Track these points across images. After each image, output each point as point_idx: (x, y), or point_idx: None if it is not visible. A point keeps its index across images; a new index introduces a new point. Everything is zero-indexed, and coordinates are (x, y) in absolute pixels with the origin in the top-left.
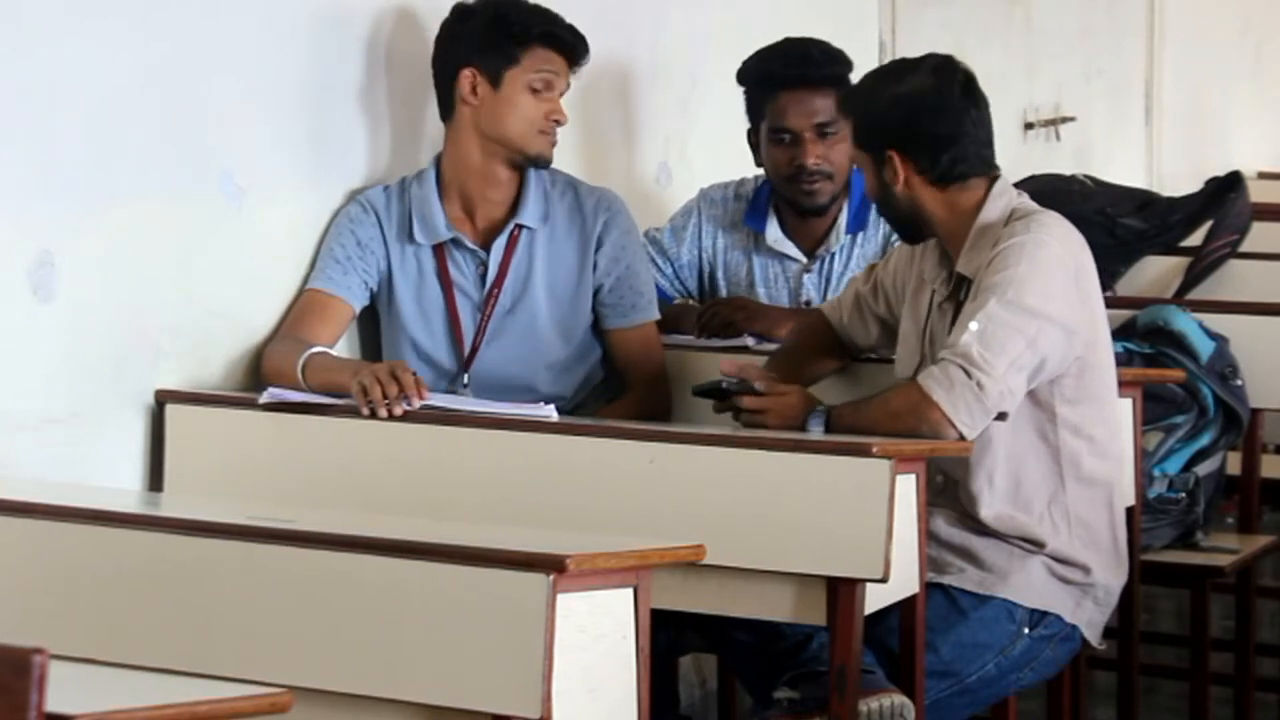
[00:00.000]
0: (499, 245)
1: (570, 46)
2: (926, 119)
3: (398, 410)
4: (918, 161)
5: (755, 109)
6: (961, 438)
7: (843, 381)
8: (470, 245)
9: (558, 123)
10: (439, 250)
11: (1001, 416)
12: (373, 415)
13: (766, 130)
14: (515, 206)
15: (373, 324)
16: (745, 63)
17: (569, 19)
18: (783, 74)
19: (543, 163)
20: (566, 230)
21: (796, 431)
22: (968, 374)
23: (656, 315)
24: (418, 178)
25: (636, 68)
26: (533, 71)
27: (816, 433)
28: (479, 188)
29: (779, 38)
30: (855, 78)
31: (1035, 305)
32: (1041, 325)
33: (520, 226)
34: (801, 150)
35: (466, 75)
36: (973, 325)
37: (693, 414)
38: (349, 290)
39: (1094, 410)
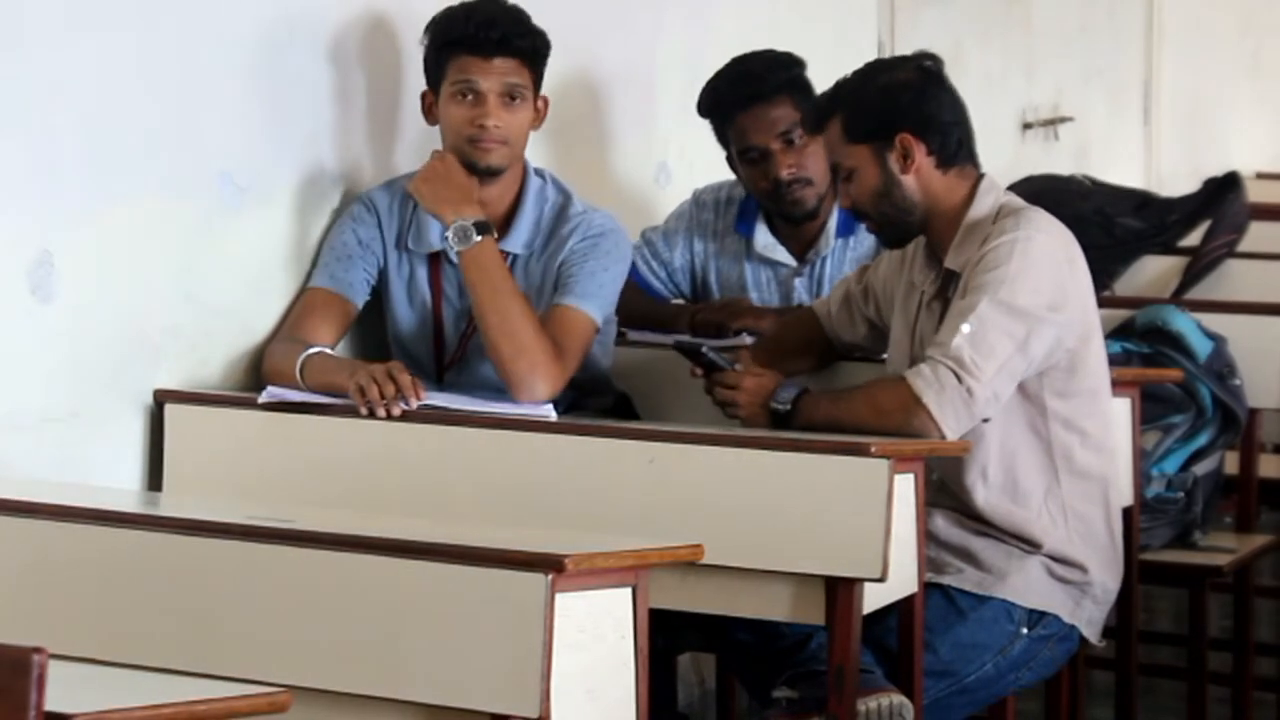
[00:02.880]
0: None
1: (492, 44)
2: (933, 101)
3: (395, 410)
4: (930, 142)
5: (722, 136)
6: (944, 439)
7: (829, 380)
8: (456, 262)
9: (483, 128)
10: (433, 259)
11: (984, 419)
12: (371, 415)
13: (736, 153)
14: (507, 227)
15: (372, 324)
16: (700, 95)
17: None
18: (732, 96)
19: (481, 171)
20: (549, 264)
21: (766, 415)
22: (958, 378)
23: (580, 305)
24: None
25: (636, 68)
26: (452, 83)
27: (785, 398)
28: None
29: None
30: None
31: (1026, 305)
32: (1032, 326)
33: (505, 253)
34: (773, 164)
35: (425, 97)
36: (964, 327)
37: (695, 414)
38: (351, 287)
39: (1086, 404)
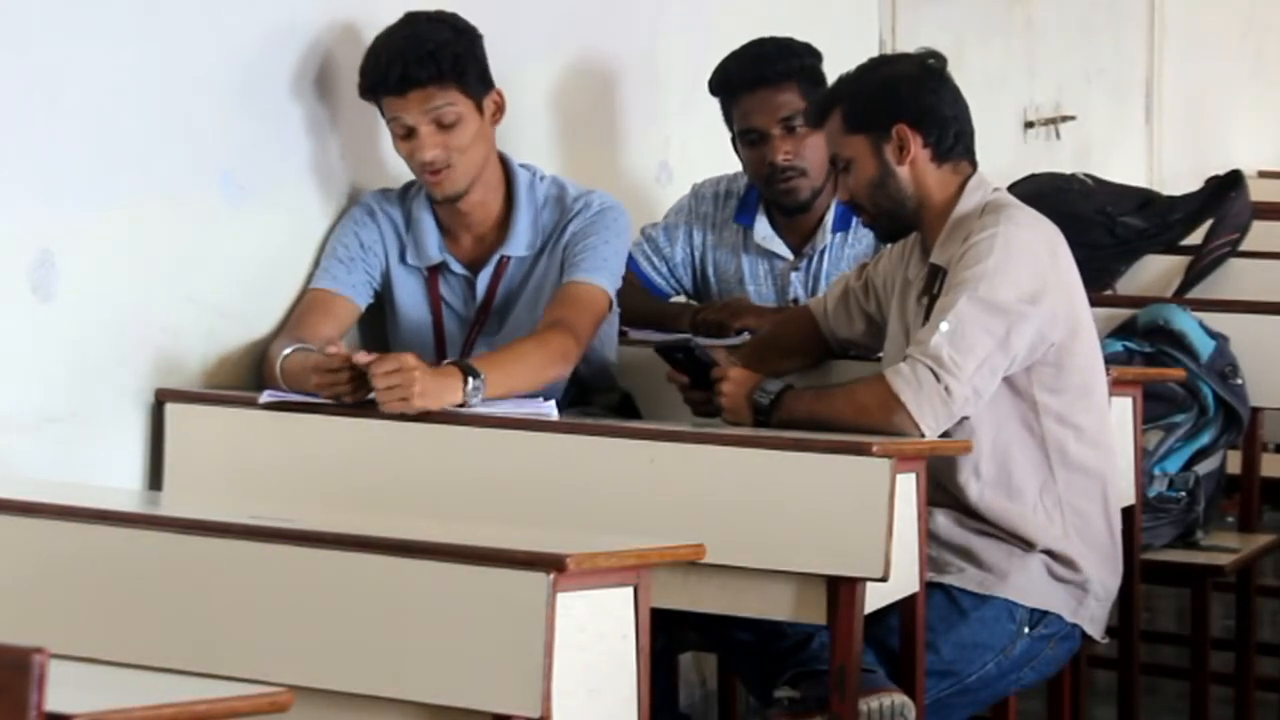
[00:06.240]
0: (485, 274)
1: (397, 83)
2: (932, 95)
3: (350, 399)
4: (926, 134)
5: (728, 116)
6: (922, 437)
7: (827, 379)
8: (458, 272)
9: (423, 164)
10: (432, 270)
11: (964, 417)
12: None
13: (737, 135)
14: (505, 230)
15: (374, 327)
16: (712, 72)
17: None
18: (740, 76)
19: (442, 201)
20: (552, 256)
21: (749, 406)
22: (936, 377)
23: (590, 279)
24: (419, 192)
25: (637, 66)
26: (389, 124)
27: (768, 391)
28: (450, 217)
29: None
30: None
31: (1005, 300)
32: (1012, 321)
33: (507, 257)
34: (770, 148)
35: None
36: (943, 325)
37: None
38: (353, 289)
39: (1078, 399)
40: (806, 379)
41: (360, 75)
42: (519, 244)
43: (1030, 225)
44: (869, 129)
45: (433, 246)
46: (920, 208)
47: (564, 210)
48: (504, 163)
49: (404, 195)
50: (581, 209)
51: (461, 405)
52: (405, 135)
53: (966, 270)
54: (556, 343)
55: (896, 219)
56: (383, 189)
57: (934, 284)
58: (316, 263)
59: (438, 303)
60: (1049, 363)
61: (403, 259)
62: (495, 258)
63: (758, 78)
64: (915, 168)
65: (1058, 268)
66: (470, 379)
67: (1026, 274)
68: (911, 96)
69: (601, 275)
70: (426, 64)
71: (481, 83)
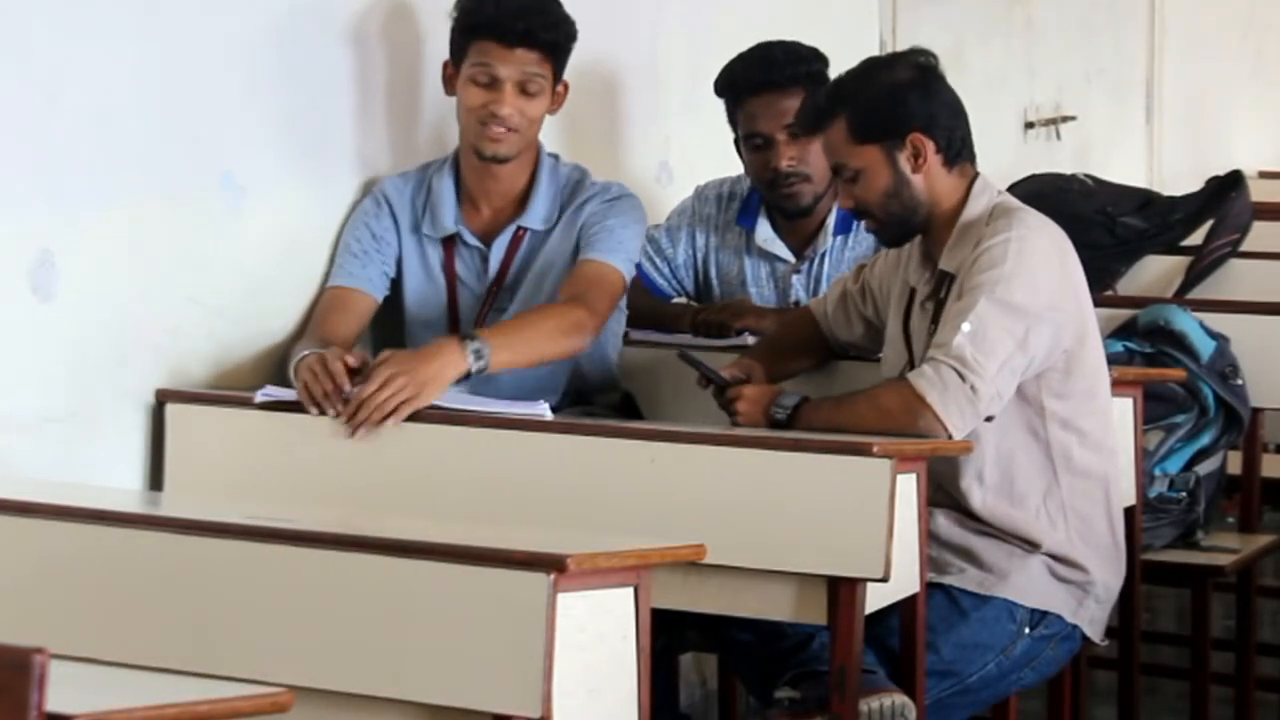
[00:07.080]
0: (500, 245)
1: (515, 35)
2: (936, 99)
3: (330, 412)
4: (938, 140)
5: (732, 118)
6: (950, 438)
7: (827, 380)
8: (472, 243)
9: (494, 116)
10: (447, 242)
11: (988, 418)
12: (323, 413)
13: (742, 137)
14: (523, 204)
15: (391, 311)
16: (719, 73)
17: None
18: (747, 80)
19: (487, 158)
20: (565, 231)
21: (767, 423)
22: (962, 376)
23: (607, 259)
24: (441, 165)
25: (637, 66)
26: (472, 65)
27: (784, 405)
28: (477, 181)
29: (778, 36)
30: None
31: (1024, 303)
32: (1030, 324)
33: (523, 229)
34: (774, 153)
35: (445, 66)
36: (965, 326)
37: (697, 414)
38: (369, 282)
39: (1084, 404)
40: (810, 380)
41: (466, 10)
42: (536, 216)
43: (1041, 230)
44: (881, 138)
45: (448, 216)
46: (930, 214)
47: (582, 189)
48: (536, 147)
49: (423, 170)
50: (600, 191)
51: (468, 376)
52: (487, 84)
53: (982, 274)
54: (571, 314)
55: (906, 225)
56: (401, 173)
57: (941, 289)
58: (331, 259)
59: (453, 278)
60: (1058, 368)
61: (416, 231)
62: (511, 228)
63: (764, 82)
64: (929, 175)
65: (1068, 274)
66: (469, 343)
67: (1042, 279)
68: (920, 103)
69: (618, 257)
70: (547, 32)
71: (563, 69)
